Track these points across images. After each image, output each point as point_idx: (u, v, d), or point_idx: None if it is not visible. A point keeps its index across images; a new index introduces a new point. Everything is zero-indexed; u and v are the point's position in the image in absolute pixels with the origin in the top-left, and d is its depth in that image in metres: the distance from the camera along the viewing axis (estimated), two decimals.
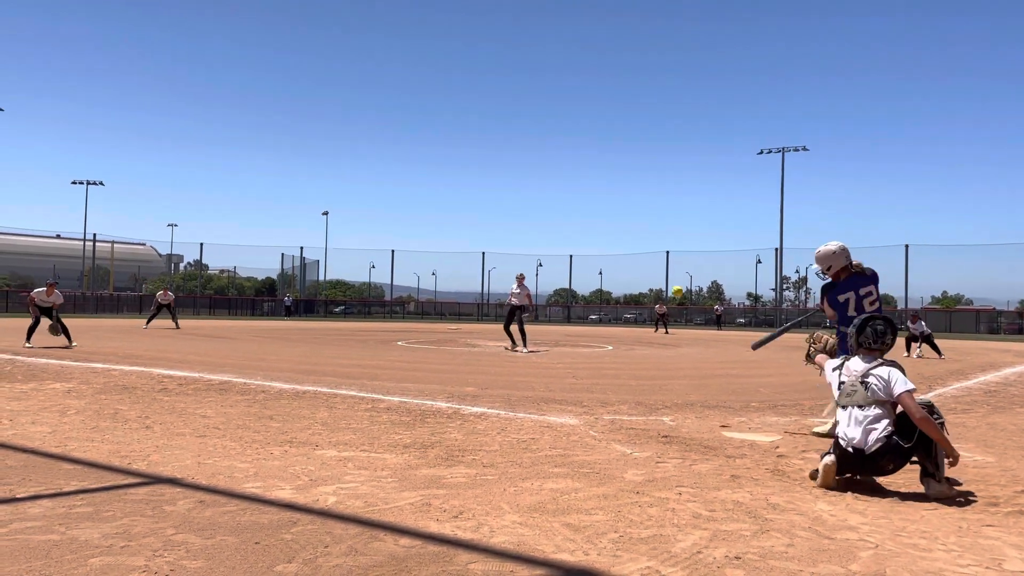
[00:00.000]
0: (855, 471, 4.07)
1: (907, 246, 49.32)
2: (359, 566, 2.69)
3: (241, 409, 6.48)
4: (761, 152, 62.08)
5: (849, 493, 4.00)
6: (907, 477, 4.36)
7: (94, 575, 2.55)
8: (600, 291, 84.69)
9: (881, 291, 5.77)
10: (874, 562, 2.89)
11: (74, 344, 13.87)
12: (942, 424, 4.06)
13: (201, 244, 64.27)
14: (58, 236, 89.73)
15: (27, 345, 13.34)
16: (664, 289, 64.58)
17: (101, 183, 66.13)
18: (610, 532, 3.19)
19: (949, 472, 4.09)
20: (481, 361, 13.29)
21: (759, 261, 69.63)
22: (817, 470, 4.17)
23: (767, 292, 76.99)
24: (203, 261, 71.88)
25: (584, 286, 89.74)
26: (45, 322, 14.23)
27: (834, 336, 5.67)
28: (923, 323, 18.85)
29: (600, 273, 78.88)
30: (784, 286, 75.36)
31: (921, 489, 4.00)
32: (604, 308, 75.22)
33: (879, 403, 4.06)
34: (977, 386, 10.74)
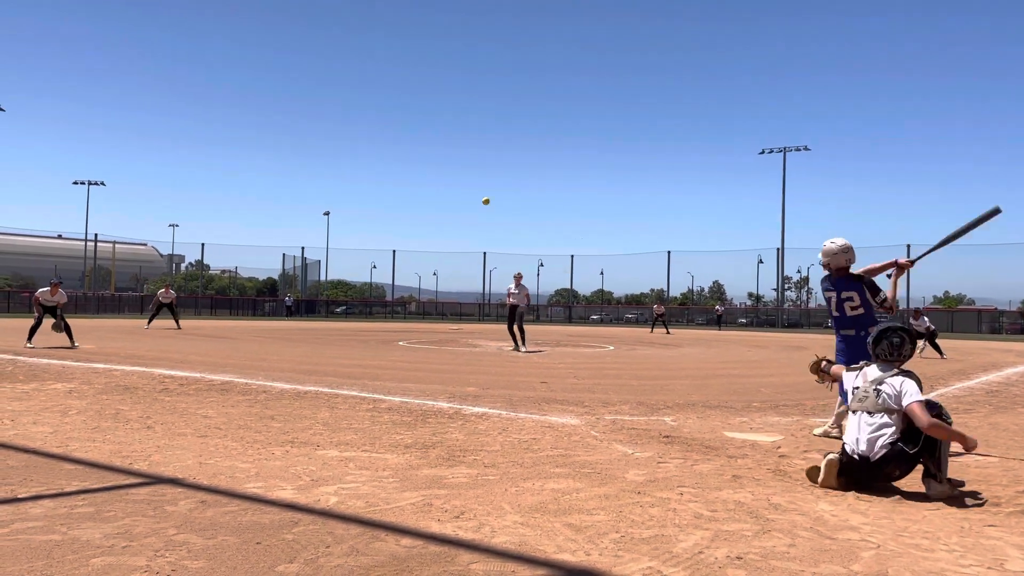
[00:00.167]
0: (862, 479, 4.06)
1: (908, 246, 49.16)
2: (360, 566, 2.69)
3: (242, 409, 6.48)
4: (762, 152, 62.21)
5: (851, 493, 4.00)
6: (909, 477, 4.35)
7: (95, 575, 2.55)
8: (601, 291, 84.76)
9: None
10: (876, 562, 2.88)
11: (76, 345, 13.88)
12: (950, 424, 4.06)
13: (202, 244, 64.46)
14: (59, 236, 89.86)
15: (28, 345, 13.35)
16: (665, 289, 64.60)
17: (102, 183, 66.27)
18: (611, 532, 3.19)
19: (953, 472, 4.08)
20: (482, 361, 13.29)
21: (761, 261, 69.63)
22: (816, 467, 4.16)
23: (769, 292, 76.99)
24: (204, 261, 71.95)
25: (585, 286, 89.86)
26: (47, 323, 14.23)
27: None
28: (926, 318, 18.85)
29: (601, 273, 78.92)
30: (786, 286, 75.33)
31: (923, 489, 4.00)
32: (605, 308, 75.25)
33: (888, 411, 4.06)
34: (979, 386, 10.72)
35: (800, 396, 8.68)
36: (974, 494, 4.02)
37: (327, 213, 74.64)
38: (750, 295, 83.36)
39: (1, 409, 6.20)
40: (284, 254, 65.38)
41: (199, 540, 2.93)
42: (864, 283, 5.63)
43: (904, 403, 4.03)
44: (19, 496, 3.52)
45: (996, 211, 5.54)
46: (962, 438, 3.97)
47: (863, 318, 5.60)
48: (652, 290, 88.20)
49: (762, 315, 66.69)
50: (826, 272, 5.82)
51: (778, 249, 60.43)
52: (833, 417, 5.88)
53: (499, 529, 3.19)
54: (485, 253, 66.38)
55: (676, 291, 78.13)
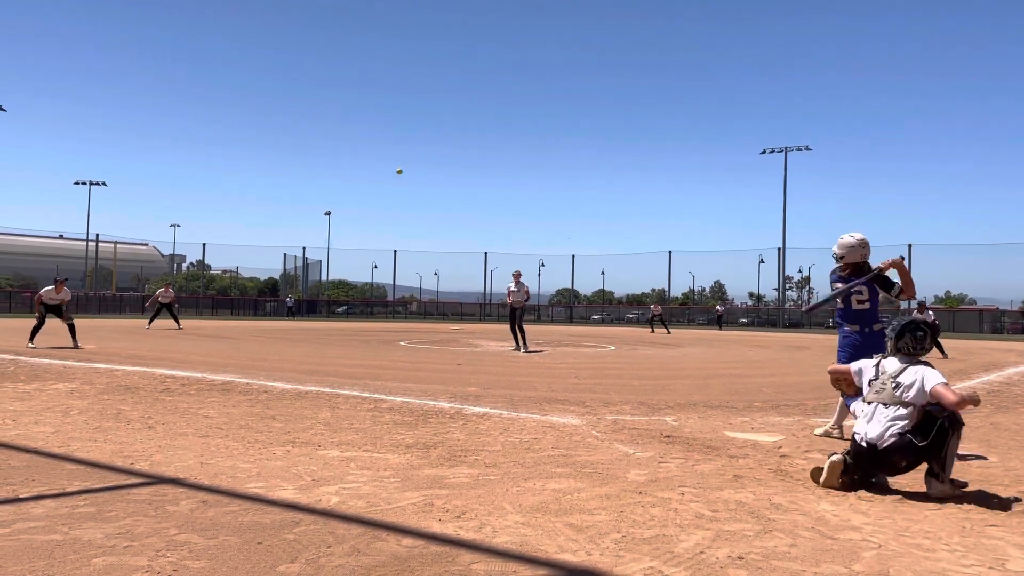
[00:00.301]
0: (868, 468, 4.06)
1: (910, 245, 49.25)
2: (362, 566, 2.69)
3: (244, 409, 6.48)
4: (764, 152, 62.18)
5: (852, 493, 4.00)
6: (911, 477, 4.35)
7: (97, 575, 2.56)
8: (602, 291, 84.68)
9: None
10: (877, 562, 2.88)
11: (79, 345, 13.88)
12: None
13: (204, 244, 64.54)
14: (61, 236, 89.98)
15: (30, 345, 13.36)
16: (666, 289, 64.59)
17: (104, 183, 66.36)
18: (613, 532, 3.19)
19: (955, 472, 4.08)
20: (483, 361, 13.29)
21: (762, 261, 69.56)
22: (820, 468, 4.16)
23: (770, 292, 76.94)
24: (206, 261, 71.98)
25: (586, 286, 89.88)
26: (51, 323, 14.21)
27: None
28: (930, 312, 18.88)
29: (602, 273, 78.92)
30: (787, 286, 75.29)
31: (924, 489, 3.99)
32: (606, 308, 75.19)
33: (904, 404, 4.06)
34: (980, 386, 10.71)
35: (801, 396, 8.68)
36: (978, 493, 4.01)
37: (328, 213, 74.69)
38: (751, 295, 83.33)
39: (3, 409, 6.20)
40: (285, 254, 65.40)
41: (200, 540, 2.93)
42: (878, 279, 5.65)
43: (929, 385, 4.02)
44: (21, 496, 3.52)
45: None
46: (974, 400, 4.03)
47: (867, 313, 5.64)
48: (653, 290, 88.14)
49: (763, 315, 66.67)
50: (837, 265, 5.85)
51: (779, 249, 60.47)
52: (835, 417, 5.89)
53: (500, 529, 3.19)
54: (486, 253, 66.46)
55: (677, 291, 78.09)
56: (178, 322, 25.44)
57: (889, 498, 3.94)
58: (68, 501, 3.45)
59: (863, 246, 5.70)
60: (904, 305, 48.64)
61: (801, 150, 60.59)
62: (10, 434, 5.12)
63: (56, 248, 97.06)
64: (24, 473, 3.98)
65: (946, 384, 4.03)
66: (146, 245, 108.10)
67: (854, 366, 4.57)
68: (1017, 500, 3.93)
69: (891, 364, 4.29)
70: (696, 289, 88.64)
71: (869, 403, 4.22)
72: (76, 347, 13.58)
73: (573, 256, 66.79)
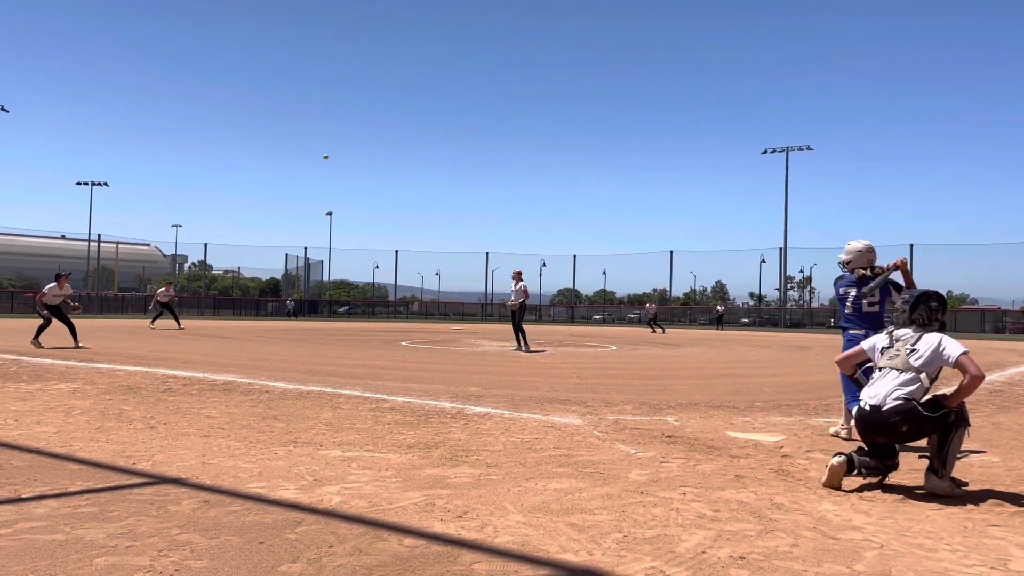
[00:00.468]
0: (871, 432, 4.06)
1: (912, 245, 49.24)
2: (363, 566, 2.69)
3: (245, 409, 6.49)
4: (765, 151, 62.15)
5: (854, 493, 3.99)
6: (913, 477, 4.35)
7: (99, 575, 2.56)
8: (604, 291, 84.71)
9: None
10: (879, 562, 2.88)
11: (80, 344, 13.88)
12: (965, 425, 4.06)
13: (205, 244, 64.68)
14: (63, 237, 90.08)
15: (37, 345, 13.30)
16: (668, 289, 64.56)
17: (106, 184, 66.47)
18: (614, 532, 3.19)
19: (957, 472, 4.08)
20: (485, 361, 13.29)
21: (763, 261, 69.56)
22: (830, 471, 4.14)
23: (771, 292, 76.90)
24: (207, 261, 72.09)
25: (588, 286, 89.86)
26: (53, 324, 14.17)
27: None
28: None
29: (604, 273, 78.96)
30: (788, 286, 75.22)
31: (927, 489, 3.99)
32: (608, 308, 75.17)
33: (917, 371, 4.07)
34: (982, 385, 10.70)
35: (803, 396, 8.67)
36: (977, 494, 4.01)
37: (330, 213, 74.87)
38: (751, 295, 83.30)
39: (5, 409, 6.21)
40: (287, 254, 65.51)
41: (202, 540, 2.94)
42: (891, 282, 5.72)
43: (953, 355, 4.03)
44: (23, 496, 3.53)
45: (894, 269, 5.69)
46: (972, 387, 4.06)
47: (875, 316, 5.73)
48: (654, 290, 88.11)
49: (765, 315, 66.62)
50: (844, 271, 5.93)
51: (781, 249, 60.43)
52: (843, 417, 5.90)
53: (502, 529, 3.19)
54: (488, 253, 66.54)
55: (679, 291, 78.10)
56: (178, 321, 25.37)
57: (891, 498, 3.93)
58: (70, 501, 3.45)
59: (870, 251, 5.79)
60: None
61: (803, 150, 60.59)
62: (12, 434, 5.13)
63: (58, 248, 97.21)
64: (26, 473, 3.99)
65: (968, 354, 4.05)
66: (148, 245, 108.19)
67: (865, 344, 4.55)
68: (1020, 500, 3.92)
69: (903, 332, 4.30)
70: (697, 289, 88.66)
71: (881, 369, 4.22)
72: (77, 346, 13.57)
73: (574, 256, 66.81)
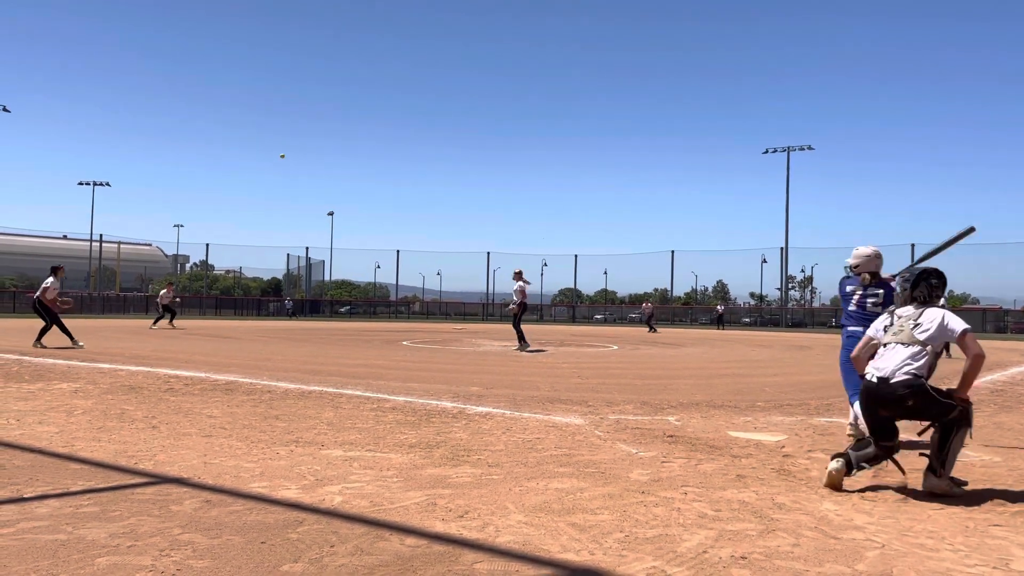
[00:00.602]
0: (877, 404, 4.07)
1: (913, 245, 49.11)
2: (365, 565, 2.69)
3: (247, 409, 6.49)
4: (766, 151, 62.08)
5: (855, 493, 3.99)
6: (915, 477, 4.34)
7: (101, 575, 2.56)
8: (605, 291, 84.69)
9: None
10: (881, 562, 2.88)
11: (80, 344, 13.81)
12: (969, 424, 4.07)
13: (207, 244, 64.83)
14: (65, 237, 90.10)
15: (42, 345, 13.28)
16: (669, 288, 64.53)
17: (107, 184, 66.53)
18: (615, 532, 3.19)
19: (958, 471, 4.08)
20: (486, 361, 13.30)
21: (764, 260, 69.51)
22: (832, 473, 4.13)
23: (772, 291, 76.89)
24: (209, 261, 72.17)
25: (589, 286, 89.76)
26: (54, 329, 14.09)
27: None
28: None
29: (605, 273, 78.96)
30: (789, 285, 75.15)
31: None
32: (609, 308, 75.16)
33: (923, 344, 4.08)
34: (984, 385, 10.70)
35: (804, 396, 8.67)
36: (979, 494, 4.01)
37: (331, 213, 74.96)
38: (752, 295, 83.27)
39: (7, 409, 6.22)
40: (288, 254, 65.56)
41: (204, 539, 2.94)
42: (888, 288, 5.81)
43: (957, 331, 4.07)
44: (25, 496, 3.53)
45: (971, 230, 5.81)
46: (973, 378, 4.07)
47: (878, 317, 5.77)
48: (656, 289, 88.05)
49: (766, 315, 66.58)
50: (851, 275, 6.05)
51: (782, 248, 60.37)
52: (851, 413, 5.99)
53: (503, 528, 3.19)
54: (489, 253, 66.62)
55: (680, 291, 78.10)
56: (171, 322, 25.11)
57: (892, 498, 3.93)
58: (72, 501, 3.46)
59: (878, 257, 5.91)
60: None
61: (804, 149, 60.53)
62: (14, 434, 5.14)
63: (60, 248, 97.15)
64: (28, 473, 3.99)
65: (971, 333, 4.07)
66: (150, 245, 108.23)
67: (870, 331, 4.55)
68: (1022, 499, 3.92)
69: (906, 310, 4.32)
70: (699, 289, 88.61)
71: (885, 345, 4.23)
72: (75, 346, 13.39)
73: (576, 256, 66.77)
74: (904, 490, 4.08)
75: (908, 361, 4.04)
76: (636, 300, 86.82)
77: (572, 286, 71.18)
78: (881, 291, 5.76)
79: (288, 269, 66.62)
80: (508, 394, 8.02)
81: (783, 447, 5.33)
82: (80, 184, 66.03)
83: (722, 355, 17.46)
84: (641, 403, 7.58)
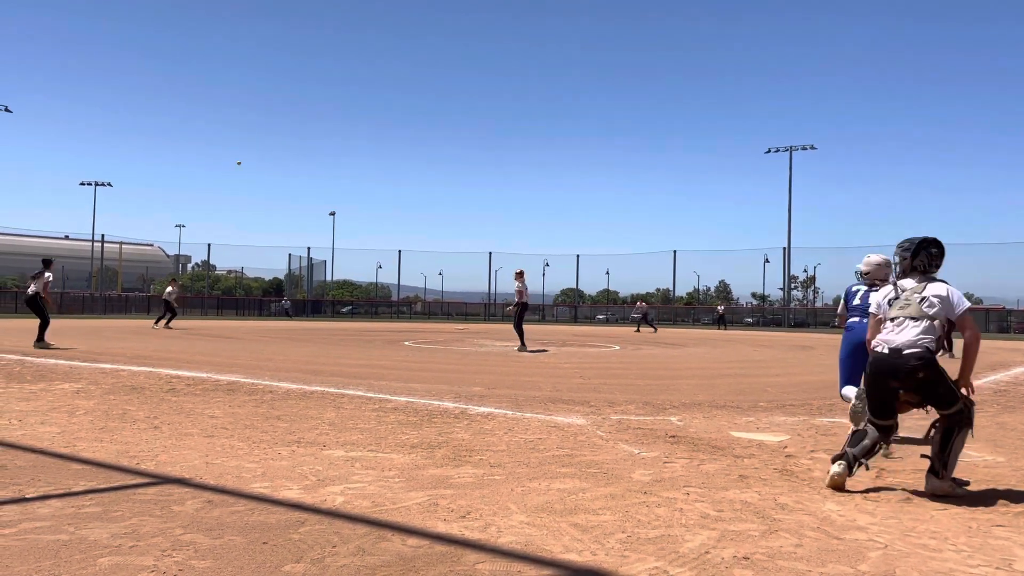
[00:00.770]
0: (886, 376, 4.08)
1: None
2: (367, 566, 2.69)
3: (249, 409, 6.50)
4: (769, 151, 62.05)
5: (858, 493, 3.99)
6: (917, 477, 4.34)
7: (103, 575, 2.56)
8: (607, 291, 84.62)
9: None
10: (883, 562, 2.87)
11: (51, 344, 13.42)
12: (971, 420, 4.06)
13: (209, 245, 64.73)
14: (66, 237, 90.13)
15: (50, 344, 13.25)
16: (671, 288, 64.50)
17: (109, 184, 66.64)
18: (618, 532, 3.18)
19: (961, 472, 4.07)
20: (488, 361, 13.30)
21: (767, 260, 69.41)
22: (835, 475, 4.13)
23: (775, 291, 76.78)
24: (211, 262, 72.22)
25: (591, 286, 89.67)
26: (54, 324, 14.07)
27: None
28: None
29: (607, 273, 78.85)
30: (792, 285, 75.08)
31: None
32: (611, 308, 75.13)
33: (930, 319, 4.08)
34: (987, 385, 10.68)
35: (807, 396, 8.66)
36: (982, 494, 4.00)
37: (333, 213, 75.09)
38: (754, 295, 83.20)
39: (9, 409, 6.23)
40: (290, 254, 65.61)
41: (206, 540, 2.94)
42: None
43: (959, 309, 4.09)
44: (27, 496, 3.53)
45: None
46: (970, 367, 4.10)
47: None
48: (658, 289, 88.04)
49: (768, 315, 66.53)
50: (861, 280, 6.19)
51: (784, 248, 60.31)
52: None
53: (505, 529, 3.19)
54: (491, 253, 66.71)
55: (682, 291, 78.07)
56: (169, 322, 24.89)
57: (895, 498, 3.93)
58: (74, 501, 3.46)
59: (887, 265, 6.00)
60: None
61: (806, 149, 60.50)
62: (16, 434, 5.14)
63: (61, 249, 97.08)
64: (30, 473, 4.00)
65: (970, 310, 4.12)
66: (151, 245, 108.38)
67: (872, 306, 4.53)
68: None
69: (909, 283, 4.30)
70: (701, 289, 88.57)
71: (893, 319, 4.22)
72: (41, 343, 13.07)
73: (577, 256, 66.75)
74: (907, 490, 4.07)
75: (921, 336, 4.05)
76: (638, 300, 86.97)
77: (574, 286, 71.15)
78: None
79: (290, 269, 66.69)
80: (510, 394, 8.02)
81: (786, 447, 5.33)
82: (82, 184, 66.22)
83: (724, 355, 17.45)
84: (643, 403, 7.58)
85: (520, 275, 16.11)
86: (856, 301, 5.99)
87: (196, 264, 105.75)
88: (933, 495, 3.94)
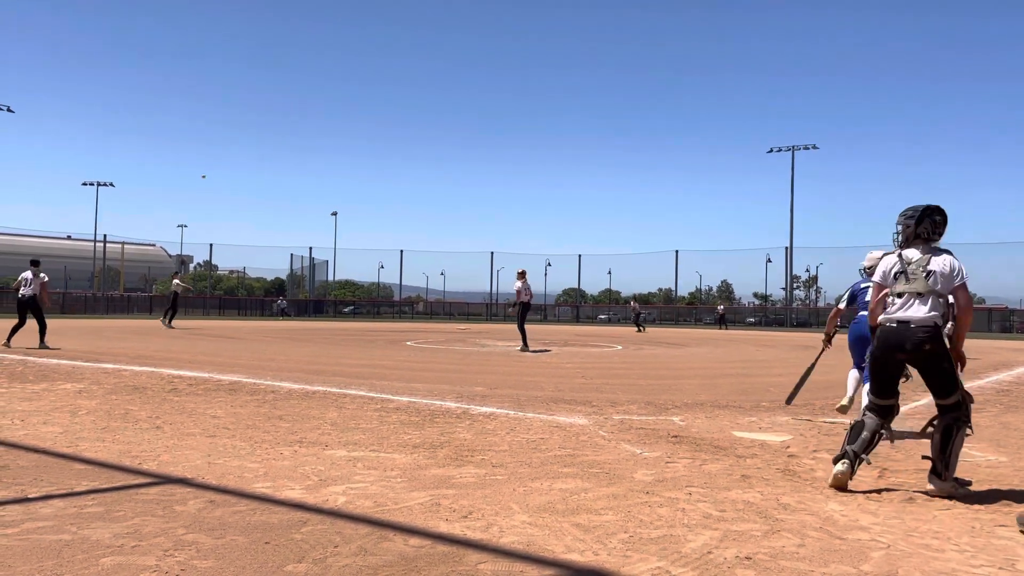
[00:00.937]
0: (894, 349, 4.09)
1: None
2: (369, 566, 2.69)
3: (251, 409, 6.50)
4: (771, 150, 62.10)
5: (861, 493, 3.98)
6: (919, 477, 4.33)
7: (105, 575, 2.56)
8: (609, 291, 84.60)
9: None
10: (886, 562, 2.87)
11: (7, 344, 13.24)
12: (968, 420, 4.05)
13: (211, 245, 64.82)
14: (69, 237, 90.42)
15: (46, 346, 13.27)
16: (673, 288, 64.47)
17: (111, 184, 66.77)
18: (620, 532, 3.18)
19: (963, 472, 4.06)
20: (490, 361, 13.30)
21: (769, 260, 69.39)
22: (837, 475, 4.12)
23: (777, 291, 76.76)
24: (213, 262, 72.28)
25: (593, 286, 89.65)
26: (30, 323, 13.88)
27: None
28: None
29: (609, 273, 78.87)
30: (794, 285, 75.04)
31: (933, 489, 3.97)
32: (613, 308, 75.09)
33: (937, 294, 4.08)
34: (989, 385, 10.67)
35: (809, 396, 8.65)
36: (985, 494, 3.99)
37: (335, 213, 75.24)
38: (756, 295, 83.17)
39: (12, 409, 6.23)
40: (292, 254, 65.72)
41: (208, 540, 2.94)
42: None
43: (957, 282, 4.09)
44: (29, 496, 3.54)
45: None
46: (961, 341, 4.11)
47: None
48: (660, 289, 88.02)
49: (771, 314, 66.49)
50: (865, 276, 6.33)
51: (786, 248, 60.30)
52: (849, 391, 6.31)
53: (507, 529, 3.19)
54: (492, 253, 66.72)
55: (684, 290, 78.04)
56: (171, 321, 24.78)
57: (898, 498, 3.92)
58: (76, 501, 3.46)
59: None
60: None
61: (808, 148, 60.48)
62: (19, 434, 5.15)
63: (64, 249, 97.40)
64: (33, 473, 4.00)
65: (966, 283, 4.14)
66: (153, 245, 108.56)
67: (876, 276, 4.43)
68: None
69: (914, 253, 4.25)
70: (703, 288, 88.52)
71: (900, 296, 4.18)
72: (7, 344, 12.97)
73: (579, 256, 66.76)
74: (909, 490, 4.06)
75: (930, 311, 4.05)
76: (641, 300, 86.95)
77: (576, 286, 71.16)
78: None
79: (292, 269, 66.78)
80: (512, 394, 8.02)
81: (788, 447, 5.32)
82: (84, 184, 66.40)
83: (726, 355, 17.44)
84: (645, 403, 7.57)
85: (522, 275, 16.10)
86: (867, 298, 6.05)
87: (198, 264, 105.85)
88: (939, 497, 3.93)
